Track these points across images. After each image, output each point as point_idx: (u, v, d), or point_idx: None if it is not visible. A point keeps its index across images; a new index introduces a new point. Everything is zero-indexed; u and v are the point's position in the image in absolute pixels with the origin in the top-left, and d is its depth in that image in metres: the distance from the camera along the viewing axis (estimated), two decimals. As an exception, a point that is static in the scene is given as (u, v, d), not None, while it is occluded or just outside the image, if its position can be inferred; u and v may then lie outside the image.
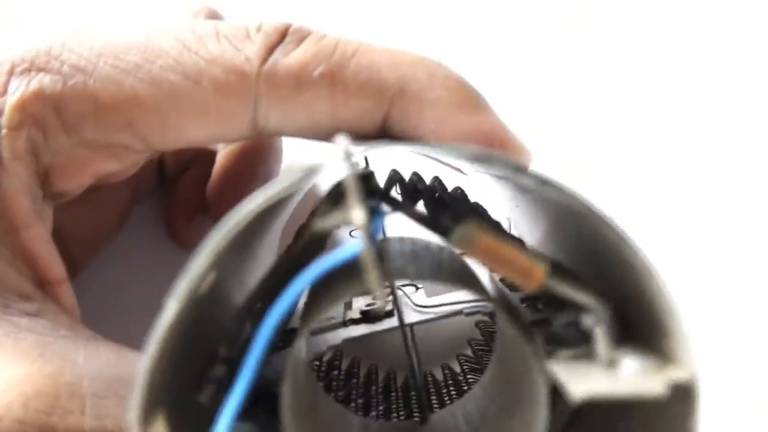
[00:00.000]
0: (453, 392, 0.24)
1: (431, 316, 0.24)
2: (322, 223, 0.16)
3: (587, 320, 0.17)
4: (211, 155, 0.32)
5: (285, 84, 0.23)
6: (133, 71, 0.22)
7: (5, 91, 0.23)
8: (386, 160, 0.22)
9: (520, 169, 0.15)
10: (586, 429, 0.20)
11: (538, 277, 0.16)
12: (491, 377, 0.23)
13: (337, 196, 0.16)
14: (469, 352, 0.26)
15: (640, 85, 0.35)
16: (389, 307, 0.25)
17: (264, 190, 0.16)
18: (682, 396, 0.16)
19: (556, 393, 0.18)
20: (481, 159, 0.15)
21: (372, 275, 0.15)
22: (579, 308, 0.17)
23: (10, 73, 0.23)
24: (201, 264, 0.16)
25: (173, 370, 0.18)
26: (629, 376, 0.16)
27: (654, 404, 0.18)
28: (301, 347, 0.20)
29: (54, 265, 0.24)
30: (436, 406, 0.24)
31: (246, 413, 0.19)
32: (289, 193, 0.15)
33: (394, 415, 0.24)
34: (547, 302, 0.20)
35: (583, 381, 0.16)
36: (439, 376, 0.25)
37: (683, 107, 0.34)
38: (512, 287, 0.22)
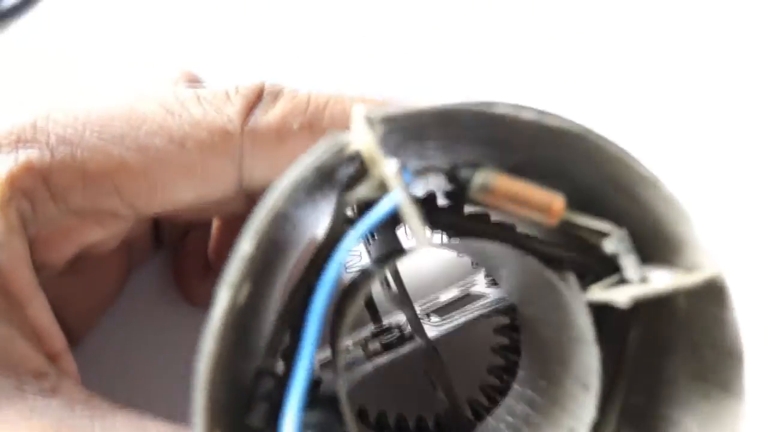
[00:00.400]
0: (490, 404, 0.24)
1: (451, 325, 0.25)
2: (357, 197, 0.17)
3: (609, 246, 0.18)
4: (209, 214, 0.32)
5: (267, 138, 0.24)
6: (119, 140, 0.23)
7: None
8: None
9: (519, 106, 0.16)
10: (632, 385, 0.21)
11: (558, 209, 0.17)
12: (527, 369, 0.23)
13: (357, 170, 0.17)
14: (497, 361, 0.26)
15: (642, 89, 0.35)
16: (406, 330, 0.25)
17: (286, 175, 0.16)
18: (715, 296, 0.17)
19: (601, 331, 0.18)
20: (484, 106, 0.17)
21: (414, 221, 0.15)
22: (598, 237, 0.18)
23: None
24: (236, 274, 0.16)
25: (225, 389, 0.18)
26: (663, 283, 0.17)
27: (691, 314, 0.19)
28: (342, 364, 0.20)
29: (56, 337, 0.24)
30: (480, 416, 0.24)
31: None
32: (312, 170, 0.16)
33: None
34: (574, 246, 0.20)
35: (624, 291, 0.17)
36: (475, 391, 0.25)
37: (682, 107, 0.34)
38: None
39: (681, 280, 0.16)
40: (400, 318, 0.26)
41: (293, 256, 0.20)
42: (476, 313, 0.25)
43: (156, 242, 0.32)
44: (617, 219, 0.18)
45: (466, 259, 0.28)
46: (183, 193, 0.24)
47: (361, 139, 0.16)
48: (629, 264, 0.18)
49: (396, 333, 0.25)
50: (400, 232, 0.24)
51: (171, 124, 0.24)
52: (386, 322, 0.26)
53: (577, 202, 0.18)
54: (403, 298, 0.26)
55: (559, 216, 0.17)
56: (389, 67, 0.36)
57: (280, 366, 0.19)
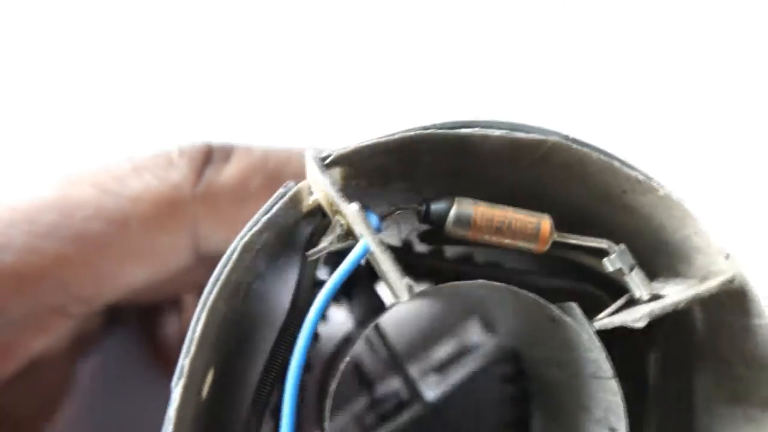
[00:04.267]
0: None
1: (451, 382, 0.22)
2: (318, 248, 0.15)
3: (609, 265, 0.16)
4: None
5: (224, 202, 0.22)
6: (52, 232, 0.21)
7: None
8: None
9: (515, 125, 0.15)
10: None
11: (546, 232, 0.15)
12: (542, 416, 0.21)
13: (319, 222, 0.15)
14: (508, 414, 0.23)
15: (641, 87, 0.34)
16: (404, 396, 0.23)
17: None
18: (737, 303, 0.15)
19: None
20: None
21: (388, 267, 0.13)
22: (595, 258, 0.16)
23: None
24: (191, 362, 0.14)
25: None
26: (678, 295, 0.15)
27: (712, 327, 0.17)
28: None
29: None
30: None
31: None
32: (275, 212, 0.14)
33: None
34: (573, 270, 0.18)
35: (638, 312, 0.15)
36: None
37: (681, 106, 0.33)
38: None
39: (698, 290, 0.14)
40: (394, 383, 0.23)
41: (269, 333, 0.18)
42: (476, 365, 0.23)
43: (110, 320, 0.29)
44: (612, 235, 0.17)
45: (456, 304, 0.26)
46: (134, 277, 0.22)
47: (316, 184, 0.14)
48: (635, 281, 0.16)
49: (392, 401, 0.23)
50: (381, 288, 0.22)
51: (108, 204, 0.21)
52: (380, 390, 0.23)
53: (566, 225, 0.16)
54: (393, 360, 0.23)
55: (548, 240, 0.15)
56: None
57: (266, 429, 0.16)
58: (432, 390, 0.22)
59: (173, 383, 0.14)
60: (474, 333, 0.23)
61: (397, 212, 0.15)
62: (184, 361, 0.13)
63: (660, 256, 0.16)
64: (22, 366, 0.22)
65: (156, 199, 0.21)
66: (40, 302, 0.21)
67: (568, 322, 0.16)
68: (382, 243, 0.13)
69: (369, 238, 0.13)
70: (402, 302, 0.14)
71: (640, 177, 0.15)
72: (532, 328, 0.18)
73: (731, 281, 0.15)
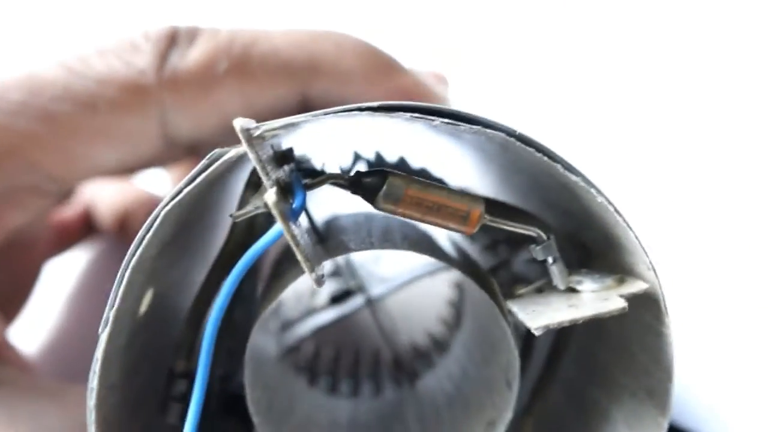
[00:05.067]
0: (436, 356, 0.24)
1: (397, 283, 0.24)
2: (243, 211, 0.15)
3: (537, 253, 0.16)
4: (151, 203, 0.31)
5: (190, 87, 0.21)
6: (21, 110, 0.21)
7: None
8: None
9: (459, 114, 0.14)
10: (569, 361, 0.20)
11: (475, 218, 0.15)
12: (467, 334, 0.23)
13: (257, 181, 0.15)
14: (446, 314, 0.25)
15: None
16: (353, 283, 0.24)
17: (172, 189, 0.15)
18: (648, 306, 0.16)
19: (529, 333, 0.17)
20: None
21: (299, 252, 0.14)
22: (531, 242, 0.16)
23: None
24: (126, 283, 0.15)
25: (133, 397, 0.17)
26: (589, 299, 0.16)
27: (622, 320, 0.17)
28: (257, 346, 0.19)
29: None
30: (422, 372, 0.24)
31: (215, 426, 0.19)
32: (198, 183, 0.15)
33: (384, 390, 0.24)
34: (508, 244, 0.19)
35: (544, 313, 0.15)
36: (422, 342, 0.25)
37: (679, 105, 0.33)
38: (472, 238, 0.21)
39: (604, 305, 0.15)
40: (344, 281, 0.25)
41: (210, 244, 0.19)
42: (425, 270, 0.24)
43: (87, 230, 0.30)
44: (566, 215, 0.17)
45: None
46: (103, 159, 0.22)
47: (250, 154, 0.14)
48: (556, 272, 0.16)
49: (342, 287, 0.25)
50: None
51: (75, 85, 0.21)
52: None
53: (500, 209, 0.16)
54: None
55: (476, 225, 0.15)
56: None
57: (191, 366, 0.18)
58: (381, 287, 0.24)
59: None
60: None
61: (329, 181, 0.15)
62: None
63: (600, 241, 0.17)
64: (7, 237, 0.23)
65: (121, 82, 0.21)
66: (12, 180, 0.22)
67: (484, 299, 0.17)
68: (293, 234, 0.14)
69: (284, 227, 0.14)
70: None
71: (581, 183, 0.15)
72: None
73: (644, 290, 0.15)
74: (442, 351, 0.24)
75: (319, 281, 0.14)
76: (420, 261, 0.24)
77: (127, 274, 0.14)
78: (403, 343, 0.24)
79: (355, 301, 0.24)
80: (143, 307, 0.17)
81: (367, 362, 0.25)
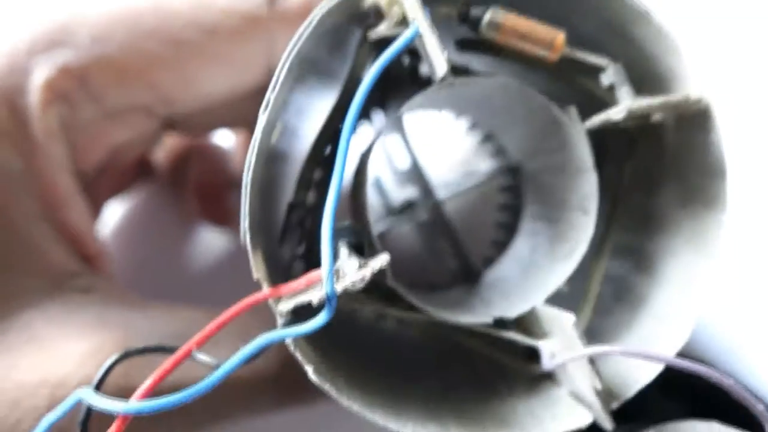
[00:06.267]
0: (499, 248, 0.26)
1: (459, 189, 0.26)
2: (377, 32, 0.18)
3: (606, 79, 0.20)
4: (204, 150, 0.33)
5: (296, 20, 0.24)
6: (150, 35, 0.23)
7: (29, 70, 0.23)
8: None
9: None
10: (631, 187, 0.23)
11: (560, 43, 0.19)
12: (530, 215, 0.25)
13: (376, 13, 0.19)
14: (504, 218, 0.27)
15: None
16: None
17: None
18: (701, 122, 0.19)
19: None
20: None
21: (432, 44, 0.17)
22: (595, 74, 0.20)
23: (31, 52, 0.23)
24: (269, 114, 0.17)
25: (263, 218, 0.19)
26: (653, 100, 0.19)
27: (680, 146, 0.21)
28: None
29: (95, 240, 0.25)
30: (488, 263, 0.26)
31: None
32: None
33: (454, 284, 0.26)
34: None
35: (619, 108, 0.19)
36: (486, 236, 0.27)
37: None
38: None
39: (667, 99, 0.18)
40: (410, 189, 0.27)
41: (323, 108, 0.22)
42: (481, 178, 0.27)
43: (140, 174, 0.32)
44: (614, 61, 0.20)
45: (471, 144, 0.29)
46: (216, 84, 0.25)
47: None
48: (624, 94, 0.20)
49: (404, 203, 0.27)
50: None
51: (200, 13, 0.24)
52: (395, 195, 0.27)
53: (577, 47, 0.20)
54: (415, 169, 0.27)
55: (560, 50, 0.19)
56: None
57: (310, 198, 0.21)
58: (440, 193, 0.27)
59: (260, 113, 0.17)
60: (485, 158, 0.27)
61: (443, 8, 0.19)
62: (270, 95, 0.17)
63: (649, 84, 0.20)
64: (106, 157, 0.26)
65: (241, 13, 0.24)
66: (133, 98, 0.24)
67: (566, 121, 0.20)
68: (431, 25, 0.17)
69: (421, 19, 0.17)
70: (439, 79, 0.18)
71: (641, 9, 0.19)
72: (534, 133, 0.22)
73: (699, 100, 0.19)
74: (505, 245, 0.26)
75: (448, 62, 0.17)
76: (481, 167, 0.27)
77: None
78: (468, 248, 0.26)
79: (422, 209, 0.27)
80: (274, 138, 0.20)
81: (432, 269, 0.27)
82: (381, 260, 0.17)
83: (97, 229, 0.26)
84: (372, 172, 0.29)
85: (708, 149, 0.19)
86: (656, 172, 0.22)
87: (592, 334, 0.21)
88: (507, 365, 0.22)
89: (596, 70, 0.20)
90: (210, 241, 0.32)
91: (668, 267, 0.21)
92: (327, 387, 0.17)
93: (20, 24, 0.24)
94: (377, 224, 0.27)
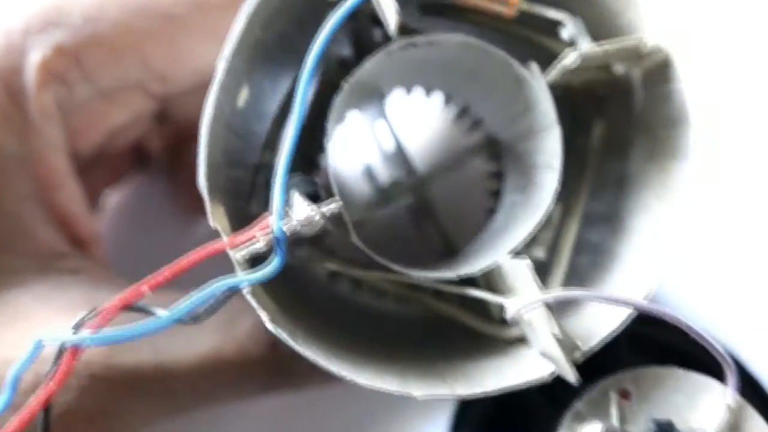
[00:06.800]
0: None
1: (441, 166, 0.27)
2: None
3: (566, 32, 0.20)
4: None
5: None
6: (141, 10, 0.24)
7: (26, 51, 0.23)
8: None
9: None
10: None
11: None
12: (511, 186, 0.25)
13: None
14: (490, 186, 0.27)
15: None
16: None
17: None
18: (663, 73, 0.19)
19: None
20: None
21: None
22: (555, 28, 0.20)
23: (26, 32, 0.23)
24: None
25: (226, 180, 0.20)
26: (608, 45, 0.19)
27: (647, 103, 0.21)
28: None
29: (88, 224, 0.26)
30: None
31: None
32: None
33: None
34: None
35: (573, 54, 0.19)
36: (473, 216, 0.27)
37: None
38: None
39: (621, 43, 0.18)
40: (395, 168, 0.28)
41: (289, 75, 0.22)
42: (464, 155, 0.27)
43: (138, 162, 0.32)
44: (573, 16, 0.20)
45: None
46: (208, 59, 0.24)
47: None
48: (585, 45, 0.20)
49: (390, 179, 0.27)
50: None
51: None
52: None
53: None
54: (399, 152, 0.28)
55: (516, 2, 0.19)
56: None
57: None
58: (424, 174, 0.27)
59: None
60: (464, 133, 0.27)
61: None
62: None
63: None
64: (103, 140, 0.26)
65: None
66: (126, 75, 0.24)
67: (527, 77, 0.20)
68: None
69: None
70: (394, 36, 0.18)
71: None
72: (503, 98, 0.22)
73: (658, 49, 0.19)
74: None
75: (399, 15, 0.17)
76: (461, 143, 0.27)
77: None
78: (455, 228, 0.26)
79: (406, 192, 0.27)
80: (240, 102, 0.20)
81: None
82: (332, 204, 0.17)
83: (90, 214, 0.26)
84: (363, 159, 0.29)
85: (671, 99, 0.19)
86: (627, 132, 0.21)
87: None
88: (482, 332, 0.22)
89: (555, 26, 0.20)
90: (205, 231, 0.32)
91: (638, 222, 0.20)
92: (284, 335, 0.17)
93: (15, 5, 0.24)
94: (366, 211, 0.27)
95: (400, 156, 0.28)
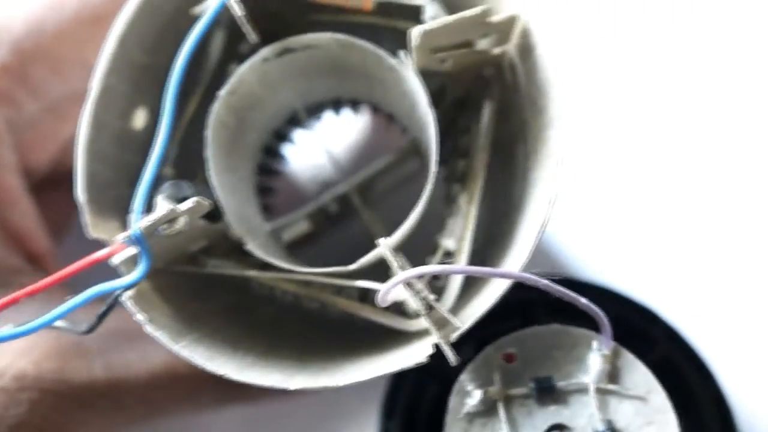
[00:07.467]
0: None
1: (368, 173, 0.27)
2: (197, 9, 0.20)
3: (426, 16, 0.20)
4: None
5: None
6: (76, 16, 0.23)
7: None
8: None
9: None
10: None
11: (369, -10, 0.20)
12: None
13: None
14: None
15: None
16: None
17: None
18: (528, 42, 0.19)
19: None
20: None
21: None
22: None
23: None
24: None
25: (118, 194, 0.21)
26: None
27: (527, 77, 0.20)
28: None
29: (41, 239, 0.26)
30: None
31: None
32: None
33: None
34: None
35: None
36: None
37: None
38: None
39: (463, 14, 0.18)
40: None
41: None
42: (388, 160, 0.27)
43: None
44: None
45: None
46: None
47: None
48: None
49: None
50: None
51: None
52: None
53: None
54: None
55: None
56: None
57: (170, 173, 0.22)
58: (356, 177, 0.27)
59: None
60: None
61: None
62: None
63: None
64: (58, 155, 0.26)
65: None
66: (73, 86, 0.24)
67: (397, 67, 0.20)
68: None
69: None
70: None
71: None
72: (395, 92, 0.22)
73: (514, 18, 0.19)
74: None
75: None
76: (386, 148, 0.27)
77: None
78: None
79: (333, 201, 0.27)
80: (138, 123, 0.21)
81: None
82: (187, 204, 0.18)
83: (43, 229, 0.27)
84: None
85: (538, 67, 0.19)
86: (520, 112, 0.21)
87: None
88: (391, 327, 0.21)
89: (416, 11, 0.20)
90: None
91: (524, 197, 0.20)
92: (161, 337, 0.18)
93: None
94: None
95: (332, 166, 0.28)
